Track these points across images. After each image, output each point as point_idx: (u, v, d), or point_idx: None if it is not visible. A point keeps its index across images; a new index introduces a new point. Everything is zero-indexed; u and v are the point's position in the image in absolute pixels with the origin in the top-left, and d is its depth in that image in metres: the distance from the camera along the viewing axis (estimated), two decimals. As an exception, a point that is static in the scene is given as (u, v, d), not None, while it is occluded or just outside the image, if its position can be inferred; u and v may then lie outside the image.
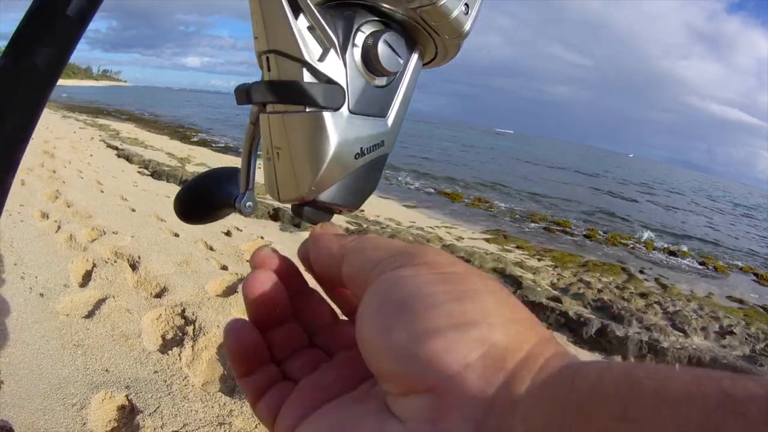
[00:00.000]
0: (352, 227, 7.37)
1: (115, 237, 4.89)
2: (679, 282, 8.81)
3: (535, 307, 5.08)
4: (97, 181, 7.56)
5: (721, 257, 12.34)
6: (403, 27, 0.58)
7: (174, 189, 8.33)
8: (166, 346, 3.30)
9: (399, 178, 17.59)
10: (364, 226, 7.69)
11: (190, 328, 3.42)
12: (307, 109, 0.53)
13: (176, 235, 5.33)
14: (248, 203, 0.59)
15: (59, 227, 5.00)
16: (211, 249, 5.17)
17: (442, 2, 0.54)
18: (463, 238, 8.87)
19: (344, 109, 0.54)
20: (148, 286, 4.01)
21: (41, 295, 3.54)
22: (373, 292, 0.39)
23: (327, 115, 0.53)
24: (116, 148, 12.02)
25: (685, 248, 12.24)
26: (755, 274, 10.64)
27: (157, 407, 2.63)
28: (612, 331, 4.61)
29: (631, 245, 11.60)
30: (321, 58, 0.52)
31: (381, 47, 0.55)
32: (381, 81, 0.57)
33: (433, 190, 15.99)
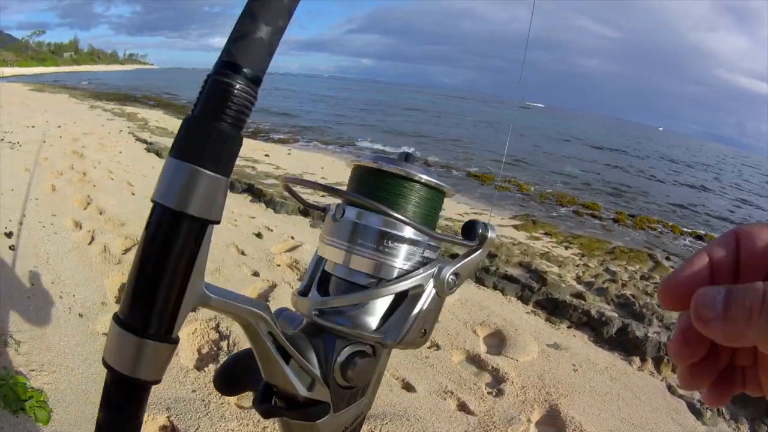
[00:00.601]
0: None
1: (149, 247, 4.98)
2: (705, 269, 8.81)
3: (559, 306, 5.16)
4: (127, 182, 7.69)
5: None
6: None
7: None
8: (202, 361, 3.44)
9: (429, 158, 17.63)
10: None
11: (224, 343, 3.55)
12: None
13: (208, 240, 5.36)
14: None
15: (93, 238, 5.15)
16: (243, 254, 5.29)
17: (406, 340, 0.71)
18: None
19: (330, 413, 0.72)
20: (183, 299, 4.12)
21: (80, 315, 3.69)
22: None
23: (319, 424, 0.72)
24: (145, 142, 12.14)
25: (712, 232, 12.19)
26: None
27: (197, 428, 2.77)
28: (632, 330, 4.68)
29: (659, 229, 11.57)
30: (310, 389, 0.69)
31: (356, 371, 0.71)
32: None
33: (462, 172, 15.87)
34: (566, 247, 8.26)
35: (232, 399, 3.07)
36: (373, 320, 0.72)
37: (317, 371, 0.69)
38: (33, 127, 11.84)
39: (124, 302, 0.57)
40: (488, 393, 3.54)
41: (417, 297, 0.71)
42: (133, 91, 38.46)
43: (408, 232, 0.71)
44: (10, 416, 2.61)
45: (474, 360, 3.95)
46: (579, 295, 5.57)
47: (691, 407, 3.84)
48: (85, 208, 6.14)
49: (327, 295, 0.75)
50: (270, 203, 7.48)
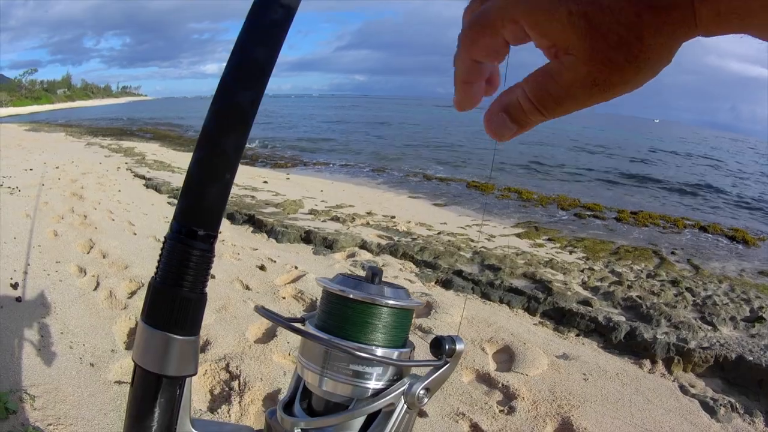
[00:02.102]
0: (383, 242, 7.50)
1: (154, 288, 5.00)
2: (711, 260, 8.82)
3: (566, 314, 5.18)
4: (128, 222, 7.73)
5: (752, 227, 12.30)
6: None
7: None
8: (215, 402, 3.46)
9: (429, 171, 17.64)
10: (395, 238, 7.81)
11: (235, 383, 3.57)
12: None
13: (212, 276, 5.37)
14: None
15: (98, 283, 5.16)
16: (248, 288, 5.32)
17: None
18: (494, 236, 8.91)
19: None
20: (191, 340, 4.15)
21: (92, 365, 3.71)
22: None
23: None
24: (144, 177, 12.20)
25: (715, 223, 12.13)
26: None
27: (213, 473, 2.78)
28: (640, 333, 4.70)
29: (662, 225, 11.56)
30: None
31: None
32: None
33: (463, 183, 15.75)
34: (570, 252, 8.28)
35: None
36: None
37: None
38: (31, 170, 11.86)
39: None
40: (500, 411, 3.55)
41: (389, 414, 0.75)
42: (128, 125, 38.67)
43: (380, 352, 0.74)
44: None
45: (484, 379, 3.97)
46: (585, 302, 5.58)
47: (705, 405, 3.84)
48: (87, 252, 6.15)
49: (310, 407, 0.80)
50: (271, 233, 7.51)
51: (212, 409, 3.35)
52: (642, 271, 7.28)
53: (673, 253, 8.96)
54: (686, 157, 36.29)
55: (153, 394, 0.63)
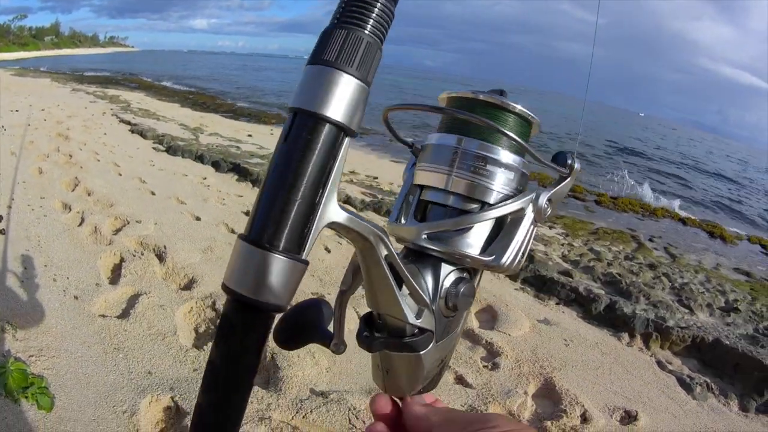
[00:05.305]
0: (367, 198, 7.50)
1: (139, 226, 5.05)
2: (688, 251, 8.80)
3: (547, 283, 5.20)
4: (114, 163, 7.71)
5: (730, 225, 12.33)
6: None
7: (189, 164, 8.56)
8: (200, 340, 3.47)
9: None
10: (379, 196, 7.83)
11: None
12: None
13: (198, 218, 5.51)
14: (340, 347, 0.70)
15: (83, 219, 5.15)
16: (233, 231, 5.37)
17: (506, 264, 0.71)
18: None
19: (432, 343, 0.71)
20: (177, 278, 4.17)
21: (76, 297, 3.68)
22: None
23: (422, 354, 0.71)
24: (129, 123, 12.17)
25: (693, 216, 12.15)
26: (762, 246, 10.52)
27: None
28: (620, 307, 4.72)
29: (641, 212, 11.60)
30: (418, 316, 0.68)
31: (461, 298, 0.72)
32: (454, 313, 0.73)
33: None
34: (550, 227, 8.30)
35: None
36: (477, 245, 0.72)
37: (428, 298, 0.69)
38: (17, 111, 11.80)
39: (252, 217, 0.57)
40: (484, 367, 3.59)
41: (518, 221, 0.72)
42: (115, 74, 38.37)
43: (505, 157, 0.71)
44: (12, 404, 2.59)
45: (467, 334, 4.00)
46: (566, 273, 5.61)
47: (681, 382, 3.87)
48: (72, 190, 6.12)
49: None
50: (256, 182, 7.56)
51: (198, 346, 3.35)
52: (620, 253, 7.31)
53: (651, 240, 8.98)
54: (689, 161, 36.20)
55: (311, 135, 0.55)
